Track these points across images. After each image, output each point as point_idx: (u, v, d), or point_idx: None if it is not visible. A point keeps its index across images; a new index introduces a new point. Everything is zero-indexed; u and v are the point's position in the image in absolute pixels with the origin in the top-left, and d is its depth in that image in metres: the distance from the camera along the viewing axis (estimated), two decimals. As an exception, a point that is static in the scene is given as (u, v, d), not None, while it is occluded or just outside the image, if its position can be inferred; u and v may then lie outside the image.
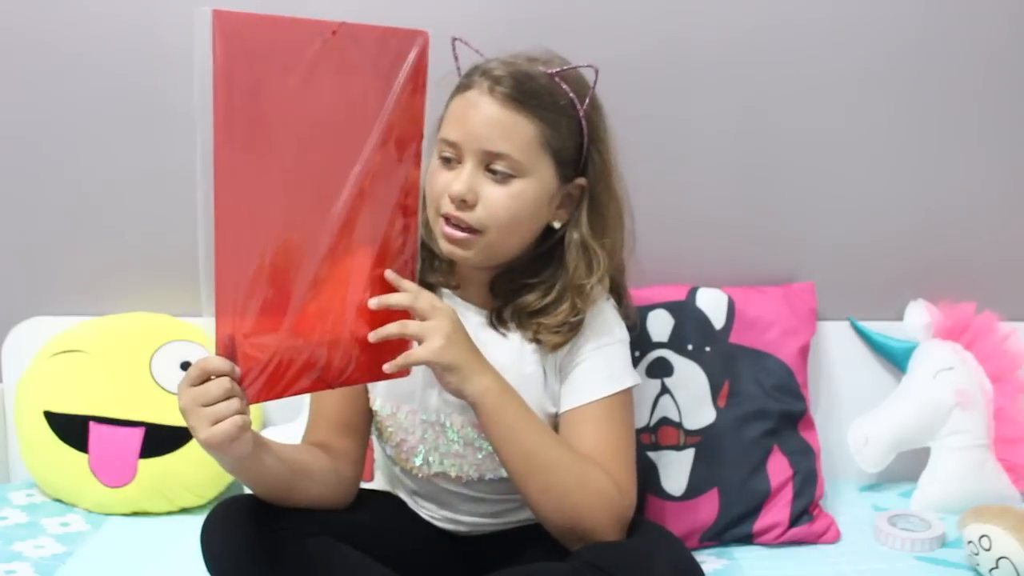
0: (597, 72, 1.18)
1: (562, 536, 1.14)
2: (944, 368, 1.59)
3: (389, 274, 1.06)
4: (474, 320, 1.22)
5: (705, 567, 1.16)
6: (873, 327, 1.66)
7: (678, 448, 1.49)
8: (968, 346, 1.62)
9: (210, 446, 0.96)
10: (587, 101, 1.17)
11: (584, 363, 1.20)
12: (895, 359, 1.66)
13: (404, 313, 1.07)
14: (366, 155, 1.01)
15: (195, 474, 1.51)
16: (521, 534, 1.27)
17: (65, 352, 1.55)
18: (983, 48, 1.62)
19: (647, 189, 1.55)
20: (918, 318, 1.63)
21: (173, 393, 1.51)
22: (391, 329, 1.06)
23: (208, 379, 0.96)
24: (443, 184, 1.15)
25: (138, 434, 1.50)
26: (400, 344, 1.08)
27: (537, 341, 1.20)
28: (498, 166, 1.13)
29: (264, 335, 0.98)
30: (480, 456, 1.22)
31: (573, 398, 1.19)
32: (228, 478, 1.56)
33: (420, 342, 1.07)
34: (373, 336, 1.06)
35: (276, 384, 1.00)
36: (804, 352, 1.58)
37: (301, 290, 1.00)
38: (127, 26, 1.57)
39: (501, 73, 1.13)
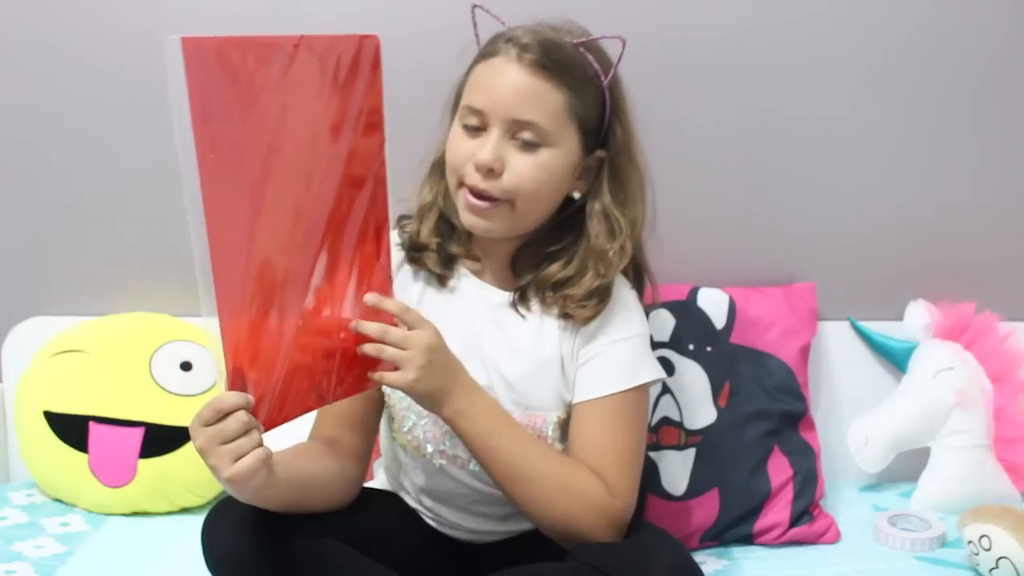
0: (624, 43, 1.17)
1: (557, 540, 1.14)
2: (944, 368, 1.59)
3: (369, 298, 1.05)
4: (495, 301, 1.22)
5: (705, 567, 1.16)
6: (873, 327, 1.66)
7: (679, 448, 1.49)
8: (968, 346, 1.62)
9: (234, 483, 0.95)
10: (611, 73, 1.17)
11: (599, 356, 1.18)
12: (895, 359, 1.66)
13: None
14: (336, 167, 1.00)
15: (195, 474, 1.51)
16: (523, 540, 1.27)
17: (65, 352, 1.55)
18: (983, 48, 1.62)
19: (650, 188, 1.55)
20: (918, 318, 1.63)
21: (173, 393, 1.52)
22: (369, 349, 1.05)
23: (223, 417, 0.94)
24: (467, 153, 1.14)
25: (138, 434, 1.50)
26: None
27: (566, 316, 1.19)
28: (526, 134, 1.12)
29: (269, 359, 0.97)
30: None
31: (585, 391, 1.18)
32: (228, 478, 1.56)
33: (396, 368, 1.07)
34: (360, 350, 1.06)
35: (284, 407, 1.00)
36: (805, 352, 1.58)
37: (296, 309, 0.99)
38: (127, 26, 1.57)
39: (528, 40, 1.12)
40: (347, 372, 1.05)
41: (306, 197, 0.98)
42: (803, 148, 1.63)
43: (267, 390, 0.97)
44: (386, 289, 1.08)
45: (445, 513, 1.28)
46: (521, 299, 1.21)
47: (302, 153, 0.97)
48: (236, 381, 0.95)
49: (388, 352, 1.05)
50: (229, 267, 0.93)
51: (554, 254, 1.20)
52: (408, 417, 1.23)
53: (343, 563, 1.11)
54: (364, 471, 1.23)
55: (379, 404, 1.25)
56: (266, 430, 0.98)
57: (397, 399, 1.23)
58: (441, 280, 1.23)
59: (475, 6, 1.19)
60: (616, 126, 1.19)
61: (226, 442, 0.93)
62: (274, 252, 0.96)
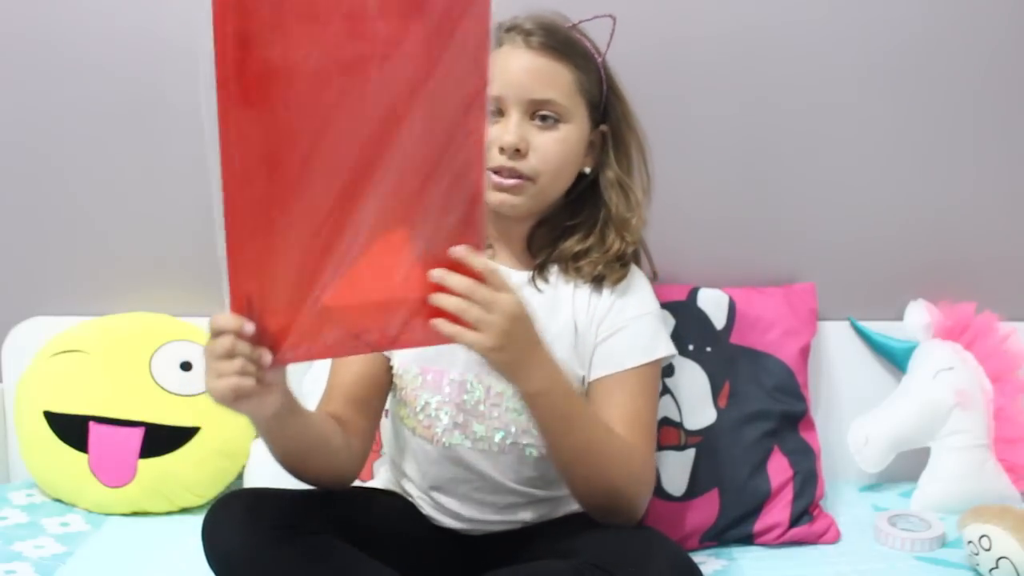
0: (615, 20, 1.26)
1: (595, 512, 1.17)
2: (944, 368, 1.59)
3: (457, 251, 0.97)
4: (514, 281, 1.22)
5: (705, 568, 1.17)
6: (873, 327, 1.66)
7: (679, 448, 1.49)
8: (968, 346, 1.61)
9: (213, 399, 0.95)
10: (606, 50, 1.26)
11: (621, 331, 1.23)
12: (895, 359, 1.66)
13: None
14: (414, 112, 0.91)
15: (195, 474, 1.51)
16: (523, 535, 1.27)
17: (65, 352, 1.55)
18: (984, 48, 1.62)
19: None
20: (918, 318, 1.63)
21: (173, 393, 1.52)
22: (450, 304, 0.97)
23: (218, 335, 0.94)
24: (489, 139, 1.15)
25: (138, 434, 1.50)
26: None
27: (597, 279, 1.24)
28: (545, 112, 1.19)
29: (286, 293, 0.93)
30: (508, 414, 1.23)
31: (609, 365, 1.22)
32: (228, 478, 1.56)
33: (476, 330, 1.01)
34: (436, 302, 0.97)
35: (309, 346, 0.95)
36: (805, 353, 1.58)
37: (341, 254, 0.93)
38: (126, 27, 1.57)
39: (531, 26, 1.20)
40: (408, 323, 0.98)
41: (370, 143, 0.91)
42: (803, 148, 1.63)
43: (284, 324, 0.94)
44: (479, 247, 0.98)
45: (445, 501, 1.28)
46: (540, 274, 1.25)
47: (367, 95, 0.89)
48: (239, 304, 0.92)
49: (472, 313, 0.98)
50: (243, 192, 0.88)
51: (572, 228, 1.26)
52: (420, 396, 1.24)
53: (342, 560, 1.11)
54: (368, 451, 1.23)
55: (385, 389, 1.27)
56: (280, 364, 0.95)
57: (409, 379, 1.24)
58: None
59: None
60: (613, 100, 1.27)
61: (216, 358, 0.94)
62: (315, 192, 0.91)
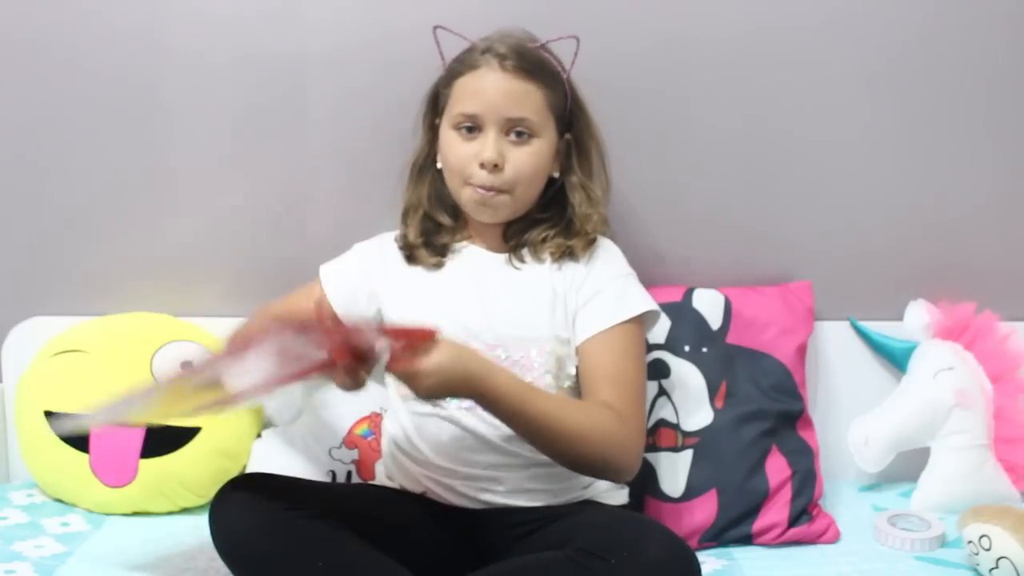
0: (579, 41, 1.35)
1: (586, 475, 1.27)
2: (944, 368, 1.58)
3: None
4: (493, 261, 1.38)
5: (705, 568, 1.17)
6: (873, 327, 1.66)
7: (676, 450, 1.49)
8: (968, 346, 1.61)
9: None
10: (570, 67, 1.35)
11: (599, 294, 1.32)
12: (895, 359, 1.65)
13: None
14: None
15: (195, 474, 1.51)
16: (521, 526, 1.28)
17: (65, 352, 1.55)
18: (982, 49, 1.61)
19: (643, 189, 1.56)
20: (918, 318, 1.63)
21: (173, 393, 1.52)
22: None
23: None
24: (468, 154, 1.31)
25: (138, 434, 1.50)
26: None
27: (565, 252, 1.35)
28: (519, 129, 1.31)
29: None
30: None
31: (591, 326, 1.31)
32: (228, 478, 1.56)
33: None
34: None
35: None
36: (801, 351, 1.57)
37: None
38: (125, 28, 1.57)
39: (504, 50, 1.31)
40: None
41: None
42: (800, 147, 1.63)
43: None
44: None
45: (435, 459, 1.30)
46: (515, 253, 1.37)
47: None
48: None
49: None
50: None
51: (542, 220, 1.38)
52: None
53: (345, 546, 1.14)
54: None
55: None
56: None
57: None
58: (437, 266, 1.38)
59: (436, 27, 1.35)
60: (576, 111, 1.38)
61: None
62: None
